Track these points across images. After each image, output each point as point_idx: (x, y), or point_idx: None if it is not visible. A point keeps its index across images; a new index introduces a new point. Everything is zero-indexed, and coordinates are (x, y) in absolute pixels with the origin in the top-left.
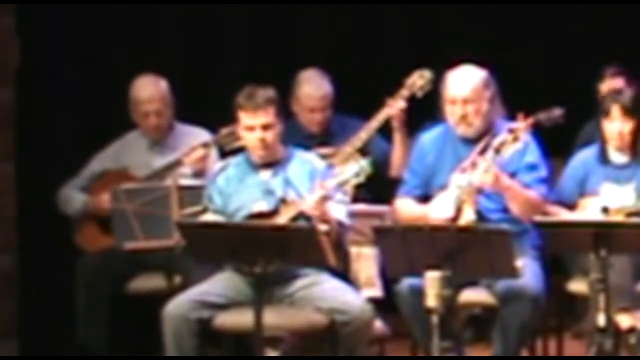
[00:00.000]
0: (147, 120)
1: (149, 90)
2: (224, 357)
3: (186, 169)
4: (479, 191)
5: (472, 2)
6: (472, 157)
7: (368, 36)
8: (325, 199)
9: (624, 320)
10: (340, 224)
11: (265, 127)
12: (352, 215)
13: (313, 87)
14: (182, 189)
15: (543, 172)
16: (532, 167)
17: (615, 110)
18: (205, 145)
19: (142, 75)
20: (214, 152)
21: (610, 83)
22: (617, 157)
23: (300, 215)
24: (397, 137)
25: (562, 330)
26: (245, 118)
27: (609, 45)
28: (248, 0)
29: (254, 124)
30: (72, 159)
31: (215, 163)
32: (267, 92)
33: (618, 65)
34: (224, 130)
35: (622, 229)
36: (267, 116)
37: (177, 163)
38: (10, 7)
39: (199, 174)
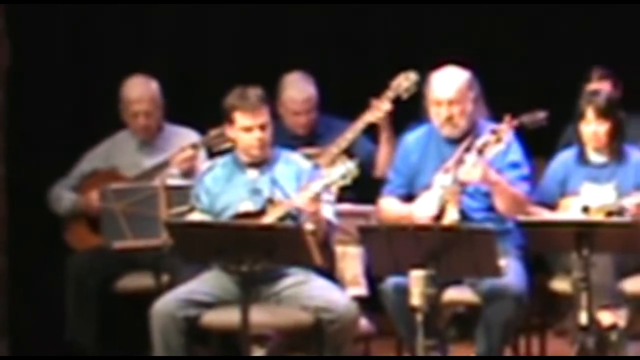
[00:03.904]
0: (136, 121)
1: (139, 90)
2: (211, 357)
3: (174, 170)
4: (463, 189)
5: (455, 2)
6: (455, 157)
7: (354, 38)
8: (316, 197)
9: (606, 318)
10: (329, 224)
11: (262, 127)
12: (338, 214)
13: (297, 91)
14: (170, 188)
15: (525, 170)
16: (515, 165)
17: (590, 112)
18: (193, 146)
19: (133, 75)
20: (202, 153)
21: (597, 85)
22: (596, 157)
23: (287, 215)
24: (383, 137)
25: (545, 328)
26: (242, 119)
27: (593, 46)
28: (236, 1)
29: (252, 125)
30: (62, 159)
31: (203, 164)
32: (258, 92)
33: (604, 68)
34: (213, 132)
35: (603, 228)
36: (263, 116)
37: (166, 163)
38: (0, 8)
39: (187, 174)
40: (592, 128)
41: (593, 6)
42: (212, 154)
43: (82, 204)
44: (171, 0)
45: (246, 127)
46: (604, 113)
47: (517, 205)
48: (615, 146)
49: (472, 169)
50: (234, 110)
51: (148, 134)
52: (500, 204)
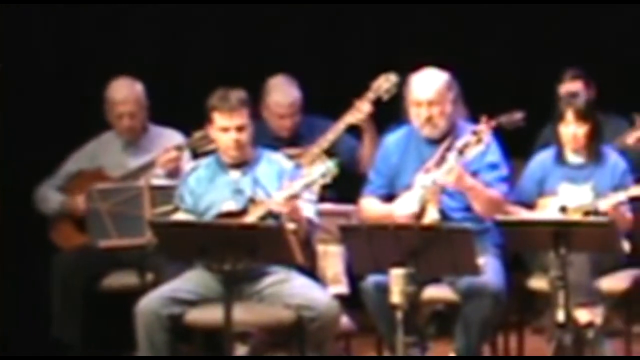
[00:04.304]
0: (121, 122)
1: (124, 92)
2: (194, 357)
3: (159, 170)
4: (443, 190)
5: (433, 2)
6: (435, 158)
7: (335, 40)
8: (293, 197)
9: (583, 316)
10: (310, 222)
11: (240, 129)
12: (319, 214)
13: (282, 95)
14: (154, 188)
15: (504, 171)
16: (493, 167)
17: (570, 114)
18: (178, 147)
19: (118, 77)
20: (186, 155)
21: (569, 86)
22: (574, 158)
23: (269, 214)
24: (367, 137)
25: (522, 325)
26: (220, 119)
27: (570, 48)
28: (222, 1)
29: (229, 125)
30: (48, 158)
31: (187, 165)
32: (239, 94)
33: (577, 68)
34: (197, 134)
35: (580, 228)
36: (241, 118)
37: (151, 164)
38: None
39: (172, 175)
40: (572, 130)
41: (571, 7)
42: (196, 155)
43: (68, 206)
44: (156, 0)
45: (223, 128)
46: (583, 115)
47: (494, 207)
48: (593, 147)
49: (447, 174)
50: (213, 111)
51: (133, 135)
52: (476, 206)
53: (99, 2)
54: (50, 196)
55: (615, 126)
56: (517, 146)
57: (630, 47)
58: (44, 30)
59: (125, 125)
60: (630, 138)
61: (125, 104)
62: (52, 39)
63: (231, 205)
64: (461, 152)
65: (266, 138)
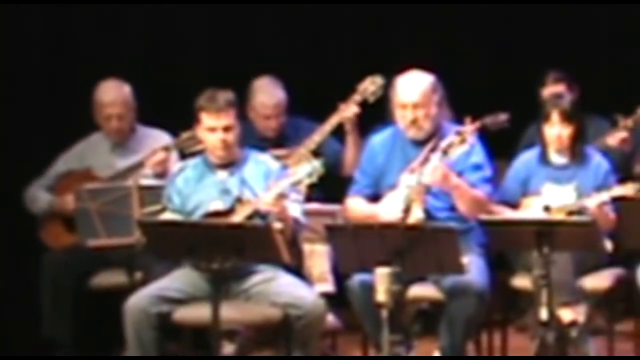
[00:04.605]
0: (109, 123)
1: (112, 94)
2: (182, 357)
3: (148, 170)
4: (428, 190)
5: (418, 2)
6: (420, 158)
7: (322, 43)
8: (280, 196)
9: (566, 315)
10: (297, 222)
11: (227, 129)
12: (306, 213)
13: (267, 96)
14: (143, 188)
15: (488, 172)
16: (477, 167)
17: (555, 115)
18: (166, 148)
19: (106, 79)
20: (174, 155)
21: (552, 88)
22: (558, 158)
23: (256, 214)
24: (350, 139)
25: (506, 324)
26: (208, 119)
27: (554, 49)
28: (207, 0)
29: (216, 126)
30: (38, 158)
31: (175, 165)
32: (227, 95)
33: (560, 71)
34: (185, 135)
35: (564, 227)
36: (228, 118)
37: (140, 165)
38: None
39: (160, 175)
40: (556, 131)
41: (554, 8)
42: (184, 156)
43: (57, 206)
44: (142, 0)
45: (210, 128)
46: (568, 117)
47: (478, 207)
48: (577, 148)
49: (432, 174)
50: (201, 111)
51: (121, 137)
52: (460, 206)
53: (87, 2)
54: (39, 196)
55: (597, 127)
56: (500, 147)
57: (611, 48)
58: (32, 31)
59: (114, 127)
60: (612, 139)
61: (114, 106)
62: (40, 39)
63: (219, 205)
64: (445, 152)
65: (252, 139)
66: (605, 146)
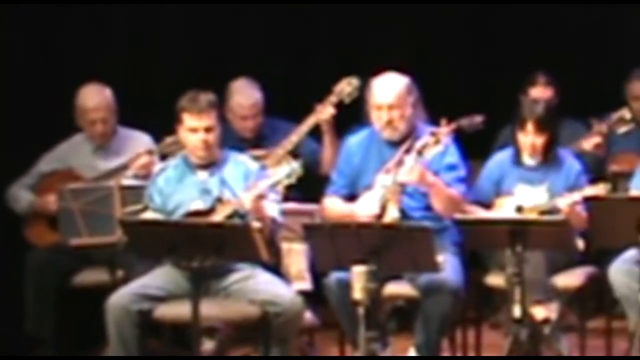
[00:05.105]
0: (93, 128)
1: (96, 99)
2: (163, 357)
3: (130, 172)
4: (404, 189)
5: (396, 2)
6: (395, 159)
7: (299, 45)
8: (260, 197)
9: (539, 312)
10: (275, 221)
11: (208, 130)
12: (284, 213)
13: (244, 97)
14: (124, 188)
15: (462, 172)
16: (452, 167)
17: (530, 125)
18: (149, 152)
19: (88, 84)
20: (156, 159)
21: (542, 91)
22: (530, 160)
23: (235, 214)
24: (327, 139)
25: (480, 321)
26: (190, 120)
27: (529, 51)
28: (187, 1)
29: (197, 126)
30: (22, 158)
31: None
32: (208, 97)
33: (547, 75)
34: (168, 139)
35: (536, 226)
36: (210, 119)
37: (124, 167)
38: None
39: (144, 178)
40: (530, 140)
41: (530, 9)
42: (164, 158)
43: (38, 206)
44: (125, 0)
45: (192, 128)
46: (542, 126)
47: (453, 206)
48: (549, 152)
49: (409, 172)
50: (182, 111)
51: (104, 139)
52: (436, 204)
53: (69, 3)
54: (20, 196)
55: (572, 130)
56: (474, 148)
57: (586, 51)
58: (15, 32)
59: (98, 131)
60: (587, 144)
61: (98, 110)
62: (24, 40)
63: (199, 205)
64: (420, 152)
65: (231, 140)
66: (581, 150)
